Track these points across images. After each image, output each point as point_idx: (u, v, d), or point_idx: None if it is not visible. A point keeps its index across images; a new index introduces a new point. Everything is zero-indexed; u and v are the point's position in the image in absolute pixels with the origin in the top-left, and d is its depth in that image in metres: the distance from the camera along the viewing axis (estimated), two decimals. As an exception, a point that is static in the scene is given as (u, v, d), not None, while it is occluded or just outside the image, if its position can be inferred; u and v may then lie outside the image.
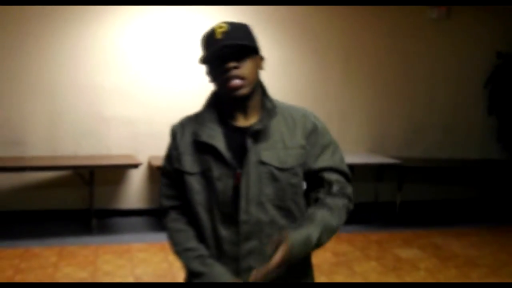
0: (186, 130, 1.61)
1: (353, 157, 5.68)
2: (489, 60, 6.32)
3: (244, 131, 1.55)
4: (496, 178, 6.60)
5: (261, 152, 1.51)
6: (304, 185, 1.60)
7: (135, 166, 4.87)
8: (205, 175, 1.55)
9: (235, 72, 1.47)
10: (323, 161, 1.58)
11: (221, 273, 1.51)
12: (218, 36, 1.48)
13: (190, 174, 1.57)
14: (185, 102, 4.86)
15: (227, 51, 1.47)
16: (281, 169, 1.52)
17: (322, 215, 1.49)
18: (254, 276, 1.39)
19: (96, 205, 5.10)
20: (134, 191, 5.49)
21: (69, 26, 5.11)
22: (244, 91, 1.49)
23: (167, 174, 1.67)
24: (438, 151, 6.35)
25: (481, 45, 6.34)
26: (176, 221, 1.65)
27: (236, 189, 1.51)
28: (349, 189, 1.61)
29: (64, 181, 5.30)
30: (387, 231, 5.39)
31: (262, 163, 1.51)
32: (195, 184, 1.56)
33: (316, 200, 1.57)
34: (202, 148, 1.55)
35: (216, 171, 1.52)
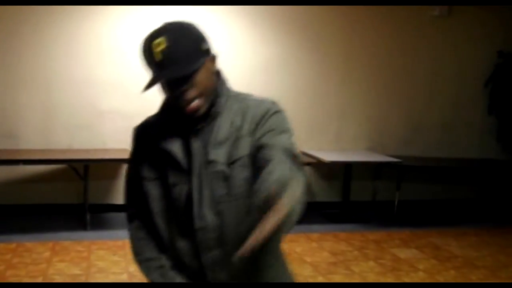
0: (145, 133, 1.51)
1: (351, 155, 5.63)
2: (490, 59, 6.26)
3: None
4: (495, 178, 6.56)
5: (209, 151, 1.37)
6: None
7: (131, 160, 4.76)
8: (162, 182, 1.44)
9: (188, 96, 1.32)
10: (265, 139, 1.33)
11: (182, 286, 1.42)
12: (157, 56, 1.30)
13: (148, 180, 1.46)
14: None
15: (170, 79, 1.31)
16: (229, 164, 1.36)
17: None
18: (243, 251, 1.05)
19: (91, 200, 5.01)
20: (130, 186, 5.40)
21: (65, 18, 5.01)
22: (202, 111, 1.36)
23: (130, 178, 1.56)
24: (437, 150, 6.29)
25: (482, 44, 6.28)
26: (138, 229, 1.54)
27: (189, 195, 1.39)
28: (292, 166, 1.25)
29: (58, 175, 5.22)
30: (385, 230, 5.33)
31: (210, 162, 1.37)
32: (153, 191, 1.46)
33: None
34: (159, 153, 1.44)
35: (172, 177, 1.41)
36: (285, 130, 1.38)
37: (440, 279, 4.10)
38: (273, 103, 1.44)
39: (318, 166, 5.75)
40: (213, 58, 1.39)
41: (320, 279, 3.96)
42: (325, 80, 5.84)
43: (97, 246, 4.40)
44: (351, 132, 6.02)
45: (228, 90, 1.45)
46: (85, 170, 4.89)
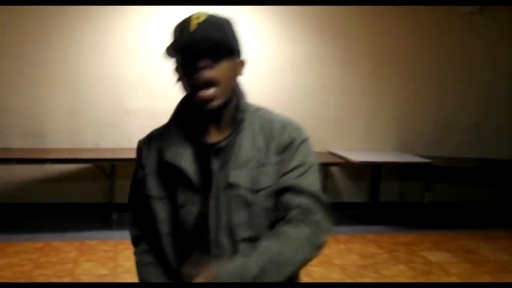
0: (152, 147, 1.38)
1: (380, 155, 5.51)
2: (523, 56, 6.08)
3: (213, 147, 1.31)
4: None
5: (229, 173, 1.25)
6: None
7: (157, 160, 4.73)
8: (172, 201, 1.31)
9: (206, 74, 1.20)
10: (287, 180, 1.26)
11: None
12: (192, 27, 1.22)
13: (155, 199, 1.33)
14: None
15: (198, 46, 1.21)
16: (253, 191, 1.25)
17: (267, 246, 1.17)
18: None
19: (117, 199, 4.99)
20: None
21: (92, 17, 5.00)
22: (216, 103, 1.23)
23: (135, 197, 1.44)
24: (468, 151, 6.12)
25: (515, 41, 6.09)
26: (145, 253, 1.42)
27: (201, 218, 1.27)
28: (317, 216, 1.24)
29: (85, 174, 5.22)
30: (415, 232, 5.20)
31: (231, 185, 1.25)
32: (161, 211, 1.33)
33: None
34: (168, 169, 1.31)
35: (181, 196, 1.29)
36: (312, 166, 1.30)
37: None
38: (298, 129, 1.33)
39: (346, 166, 5.64)
40: (242, 62, 1.31)
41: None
42: (353, 79, 5.73)
43: (124, 246, 4.37)
44: (380, 131, 5.90)
45: (248, 104, 1.35)
46: (111, 169, 4.88)
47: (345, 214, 5.56)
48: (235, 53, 1.27)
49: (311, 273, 3.89)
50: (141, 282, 1.41)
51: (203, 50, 1.21)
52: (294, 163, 1.27)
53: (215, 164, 1.27)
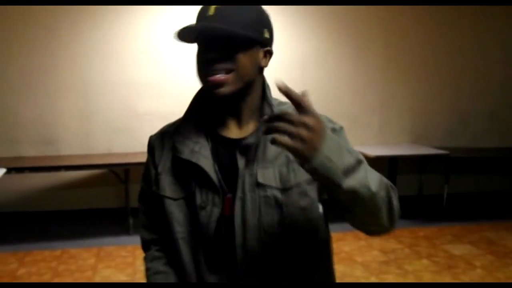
0: (166, 143, 1.28)
1: (396, 149, 5.43)
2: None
3: (236, 145, 1.20)
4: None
5: (257, 171, 1.16)
6: (320, 208, 1.22)
7: (171, 162, 4.69)
8: (188, 202, 1.21)
9: (217, 66, 1.12)
10: None
11: None
12: (211, 11, 1.12)
13: (171, 200, 1.23)
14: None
15: (210, 35, 1.12)
16: (284, 190, 1.16)
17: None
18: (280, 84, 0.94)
19: (133, 203, 4.95)
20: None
21: (100, 22, 4.96)
22: (226, 90, 1.13)
23: (145, 198, 1.35)
24: (485, 140, 6.02)
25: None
26: (156, 260, 1.33)
27: (224, 220, 1.17)
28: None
29: (99, 180, 5.18)
30: (435, 225, 5.11)
31: (259, 185, 1.15)
32: (177, 213, 1.22)
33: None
34: (184, 167, 1.21)
35: (200, 196, 1.18)
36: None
37: (500, 276, 3.87)
38: (330, 120, 1.22)
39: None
40: (268, 52, 1.19)
41: (373, 280, 3.79)
42: (365, 73, 5.65)
43: (141, 251, 4.32)
44: (395, 125, 5.81)
45: (272, 98, 1.25)
46: (125, 173, 4.85)
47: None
48: (256, 42, 1.15)
49: (333, 271, 3.82)
50: None
51: (217, 38, 1.12)
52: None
53: (241, 163, 1.17)
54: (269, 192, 1.16)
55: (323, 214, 1.23)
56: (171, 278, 1.28)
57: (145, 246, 1.38)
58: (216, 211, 1.17)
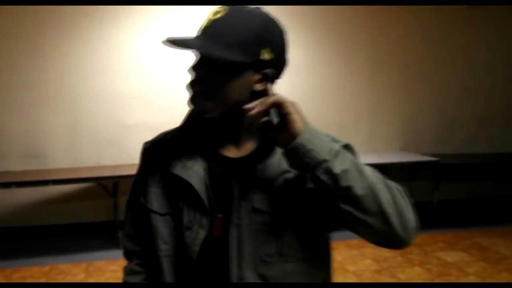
0: (159, 153, 1.20)
1: (385, 156, 5.43)
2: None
3: (234, 165, 1.12)
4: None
5: (254, 196, 1.07)
6: (326, 236, 1.15)
7: (160, 174, 4.64)
8: (175, 219, 1.13)
9: (196, 88, 1.07)
10: None
11: None
12: (207, 22, 1.06)
13: (157, 214, 1.15)
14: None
15: (195, 51, 1.03)
16: (283, 216, 1.08)
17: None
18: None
19: (122, 217, 4.89)
20: (160, 201, 5.28)
21: (87, 33, 4.92)
22: (210, 114, 1.07)
23: (133, 207, 1.27)
24: (473, 146, 6.05)
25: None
26: (134, 275, 1.28)
27: (211, 242, 1.09)
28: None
29: (88, 193, 5.12)
30: (426, 233, 5.11)
31: (256, 210, 1.07)
32: (162, 228, 1.14)
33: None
34: (175, 182, 1.13)
35: (187, 215, 1.10)
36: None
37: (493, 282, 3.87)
38: (334, 138, 1.13)
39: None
40: (265, 74, 1.07)
41: (366, 289, 3.77)
42: (352, 80, 5.66)
43: (132, 264, 4.27)
44: (383, 132, 5.82)
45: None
46: (114, 186, 4.79)
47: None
48: (245, 66, 1.04)
49: (326, 281, 3.78)
50: None
51: (200, 57, 1.07)
52: None
53: (237, 187, 1.09)
54: (266, 218, 1.07)
55: (328, 241, 1.16)
56: None
57: (127, 256, 1.33)
58: (202, 233, 1.09)
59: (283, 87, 5.75)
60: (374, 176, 0.98)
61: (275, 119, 0.97)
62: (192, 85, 1.08)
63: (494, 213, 5.88)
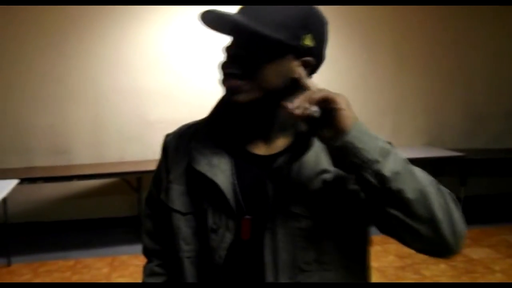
0: (181, 147, 1.12)
1: (410, 152, 5.35)
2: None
3: (264, 163, 1.03)
4: None
5: (290, 199, 0.99)
6: (366, 238, 1.07)
7: (183, 170, 4.66)
8: (199, 218, 1.05)
9: (226, 67, 0.99)
10: None
11: None
12: (240, 7, 1.00)
13: (179, 214, 1.08)
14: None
15: (235, 30, 0.98)
16: (321, 220, 1.00)
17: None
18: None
19: (145, 212, 4.94)
20: (183, 196, 5.31)
21: (110, 30, 4.96)
22: (242, 97, 0.97)
23: (153, 202, 1.21)
24: (501, 141, 5.92)
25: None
26: (154, 276, 1.21)
27: (240, 245, 1.01)
28: None
29: (112, 188, 5.17)
30: (452, 229, 5.00)
31: (292, 214, 0.99)
32: (184, 229, 1.06)
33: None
34: (198, 179, 1.05)
35: (212, 217, 1.03)
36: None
37: (521, 280, 3.79)
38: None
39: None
40: (305, 62, 1.00)
41: (390, 286, 3.72)
42: (376, 74, 5.58)
43: (155, 259, 4.30)
44: (408, 127, 5.73)
45: None
46: (138, 182, 4.83)
47: (378, 214, 5.40)
48: (286, 49, 0.97)
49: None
50: None
51: (239, 35, 0.99)
52: None
53: (270, 188, 1.00)
54: (304, 224, 0.99)
55: (368, 246, 1.09)
56: None
57: (147, 255, 1.27)
58: (229, 237, 1.01)
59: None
60: (425, 179, 0.91)
61: (316, 112, 0.87)
62: (226, 65, 0.99)
63: (523, 209, 5.75)
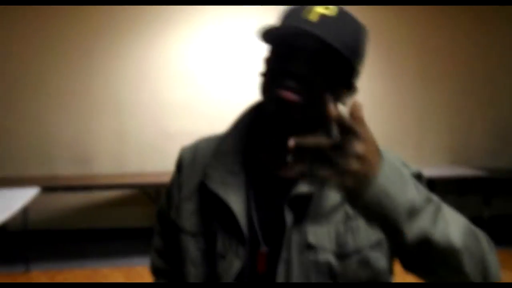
0: (197, 161, 1.05)
1: (433, 170, 5.25)
2: None
3: (284, 186, 0.95)
4: None
5: (308, 229, 0.91)
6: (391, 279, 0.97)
7: (202, 182, 4.65)
8: (208, 240, 0.98)
9: (288, 83, 0.87)
10: None
11: None
12: (312, 17, 0.88)
13: (187, 234, 1.00)
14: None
15: (309, 45, 0.87)
16: (340, 255, 0.91)
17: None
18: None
19: (163, 224, 4.93)
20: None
21: (133, 43, 5.02)
22: (295, 112, 0.88)
23: (164, 219, 1.15)
24: (528, 161, 5.78)
25: None
26: None
27: (250, 278, 0.94)
28: None
29: (131, 199, 5.19)
30: (475, 250, 4.87)
31: (310, 246, 0.91)
32: (193, 251, 0.99)
33: None
34: (210, 198, 0.98)
35: (221, 241, 0.95)
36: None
37: (547, 305, 3.65)
38: (404, 163, 1.00)
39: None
40: (348, 92, 0.97)
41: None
42: (400, 92, 5.52)
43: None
44: (432, 144, 5.64)
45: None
46: (156, 193, 4.83)
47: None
48: (351, 73, 0.94)
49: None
50: None
51: (311, 53, 0.88)
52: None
53: (289, 216, 0.92)
54: (322, 257, 0.90)
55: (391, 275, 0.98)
56: None
57: (155, 274, 1.20)
58: (238, 264, 0.93)
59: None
60: (462, 235, 0.78)
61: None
62: (284, 78, 0.88)
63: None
